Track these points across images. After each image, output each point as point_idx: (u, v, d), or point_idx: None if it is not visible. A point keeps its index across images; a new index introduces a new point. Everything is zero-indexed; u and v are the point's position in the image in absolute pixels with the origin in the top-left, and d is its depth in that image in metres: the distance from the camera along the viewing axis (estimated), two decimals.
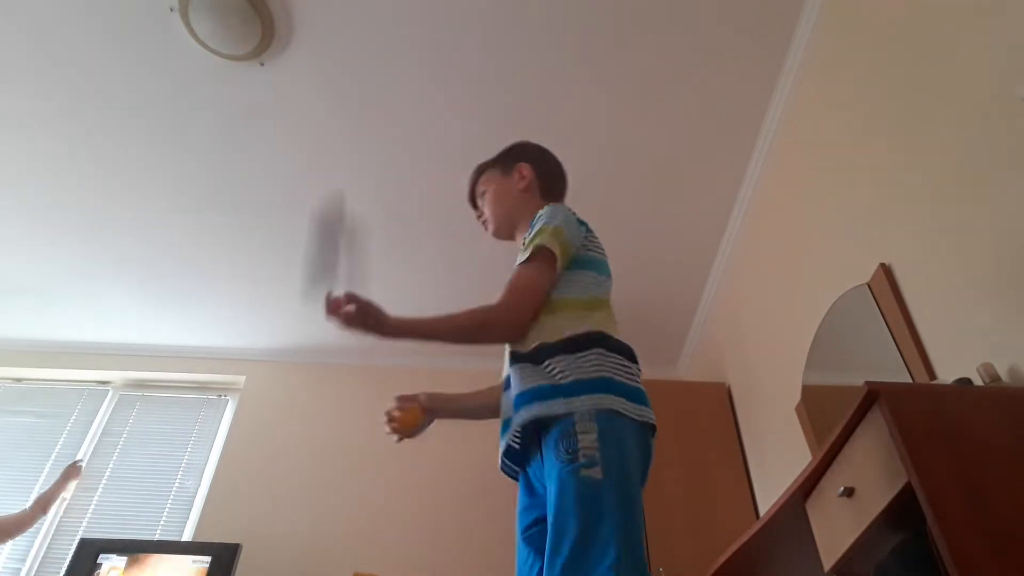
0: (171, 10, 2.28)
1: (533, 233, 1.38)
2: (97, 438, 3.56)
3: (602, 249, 1.47)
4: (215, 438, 3.62)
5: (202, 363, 3.84)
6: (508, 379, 1.31)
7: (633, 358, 1.30)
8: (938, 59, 1.66)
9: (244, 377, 3.82)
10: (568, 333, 1.27)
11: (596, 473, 1.09)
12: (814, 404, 2.21)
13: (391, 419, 1.45)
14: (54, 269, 3.35)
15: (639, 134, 2.69)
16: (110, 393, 3.77)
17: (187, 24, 2.30)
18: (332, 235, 1.39)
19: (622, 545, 1.04)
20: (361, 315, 1.28)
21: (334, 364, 3.85)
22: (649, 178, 2.86)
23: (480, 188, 1.66)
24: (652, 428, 1.25)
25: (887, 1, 1.90)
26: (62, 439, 3.53)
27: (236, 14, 2.24)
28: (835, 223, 2.15)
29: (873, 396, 1.14)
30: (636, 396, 1.24)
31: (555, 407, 1.17)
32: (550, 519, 1.09)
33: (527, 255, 1.33)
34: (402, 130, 2.69)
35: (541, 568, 1.16)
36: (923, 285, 1.70)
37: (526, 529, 1.29)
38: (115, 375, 3.79)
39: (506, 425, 1.30)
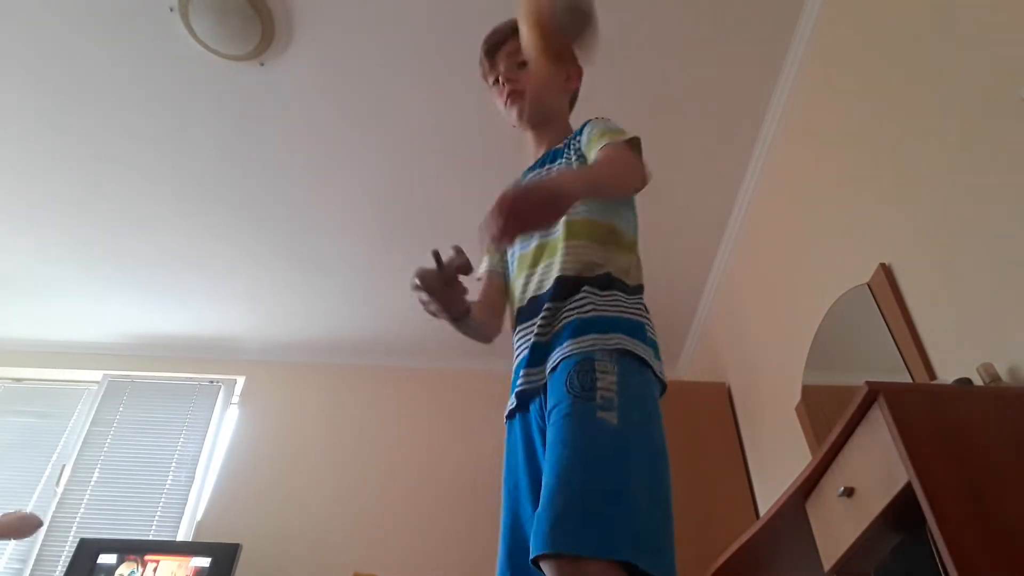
0: (171, 10, 2.27)
1: (608, 129, 1.24)
2: (87, 428, 3.56)
3: None
4: (208, 427, 3.62)
5: (202, 363, 3.84)
6: (543, 303, 1.17)
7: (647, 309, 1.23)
8: (938, 59, 1.66)
9: (244, 377, 3.82)
10: (625, 273, 1.19)
11: (612, 418, 0.95)
12: (814, 404, 2.21)
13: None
14: (54, 269, 3.35)
15: (639, 132, 2.68)
16: (99, 381, 3.76)
17: (187, 24, 2.29)
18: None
19: (634, 508, 0.89)
20: (519, 205, 0.93)
21: (334, 364, 3.86)
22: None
23: (518, 50, 1.36)
24: (664, 388, 1.14)
25: (887, 2, 1.90)
26: (62, 439, 3.53)
27: (236, 14, 2.24)
28: (835, 223, 2.15)
29: (873, 396, 1.14)
30: (656, 350, 1.14)
31: (585, 340, 1.05)
32: (550, 459, 0.95)
33: (627, 137, 1.20)
34: (401, 130, 2.69)
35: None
36: (923, 285, 1.70)
37: (513, 489, 1.11)
38: (115, 375, 3.79)
39: (536, 353, 1.14)
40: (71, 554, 2.89)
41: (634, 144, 1.24)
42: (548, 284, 1.18)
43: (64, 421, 3.61)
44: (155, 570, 2.87)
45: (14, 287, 3.46)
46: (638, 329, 1.11)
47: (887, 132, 1.87)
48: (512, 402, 1.18)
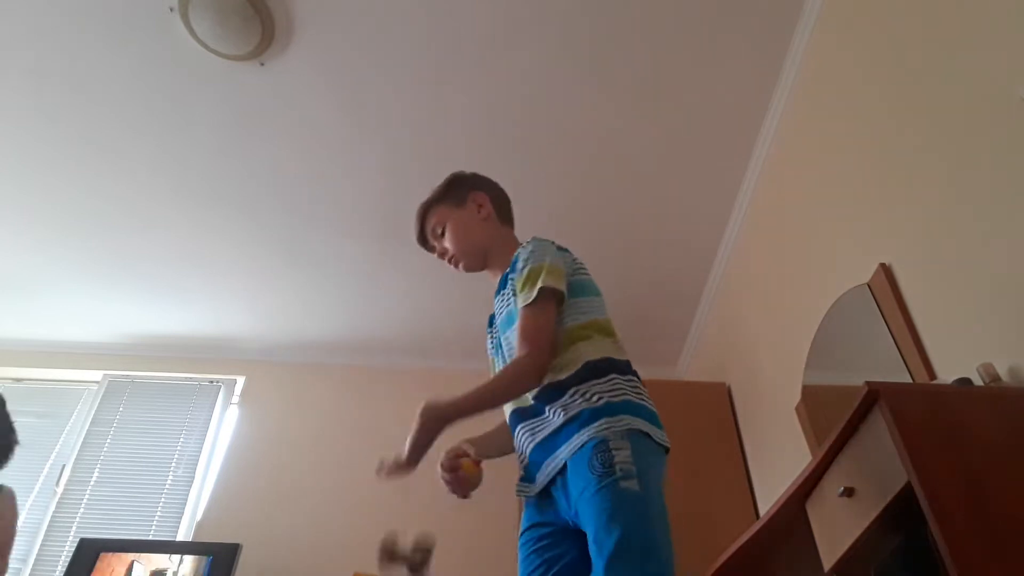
0: (171, 10, 2.27)
1: (526, 273, 1.36)
2: (87, 428, 3.55)
3: (586, 269, 1.47)
4: (208, 427, 3.62)
5: (202, 363, 3.84)
6: (518, 416, 1.35)
7: (640, 379, 1.34)
8: (938, 59, 1.66)
9: (244, 377, 3.82)
10: (587, 359, 1.29)
11: (634, 485, 1.11)
12: (814, 404, 2.21)
13: (457, 480, 1.42)
14: (54, 269, 3.35)
15: (639, 135, 2.69)
16: (99, 381, 3.75)
17: (187, 24, 2.29)
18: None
19: (663, 557, 1.07)
20: (423, 431, 1.33)
21: (334, 364, 3.85)
22: (649, 178, 2.86)
23: (433, 225, 1.61)
24: (667, 451, 1.28)
25: (887, 2, 1.90)
26: (62, 439, 3.53)
27: (236, 14, 2.24)
28: (835, 223, 2.15)
29: (873, 396, 1.14)
30: (655, 419, 1.27)
31: (599, 429, 1.18)
32: (592, 535, 1.10)
33: (532, 297, 1.32)
34: (401, 130, 2.69)
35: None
36: (923, 285, 1.70)
37: (539, 540, 1.31)
38: (115, 375, 3.79)
39: (534, 459, 1.32)
40: (71, 554, 2.89)
41: (537, 298, 1.33)
42: (524, 404, 1.34)
43: (64, 421, 3.60)
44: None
45: (14, 287, 3.46)
46: (639, 408, 1.25)
47: (887, 132, 1.87)
48: (528, 488, 1.36)
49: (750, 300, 2.90)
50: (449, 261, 1.60)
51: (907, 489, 1.04)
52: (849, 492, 1.22)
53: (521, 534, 1.37)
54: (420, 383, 3.79)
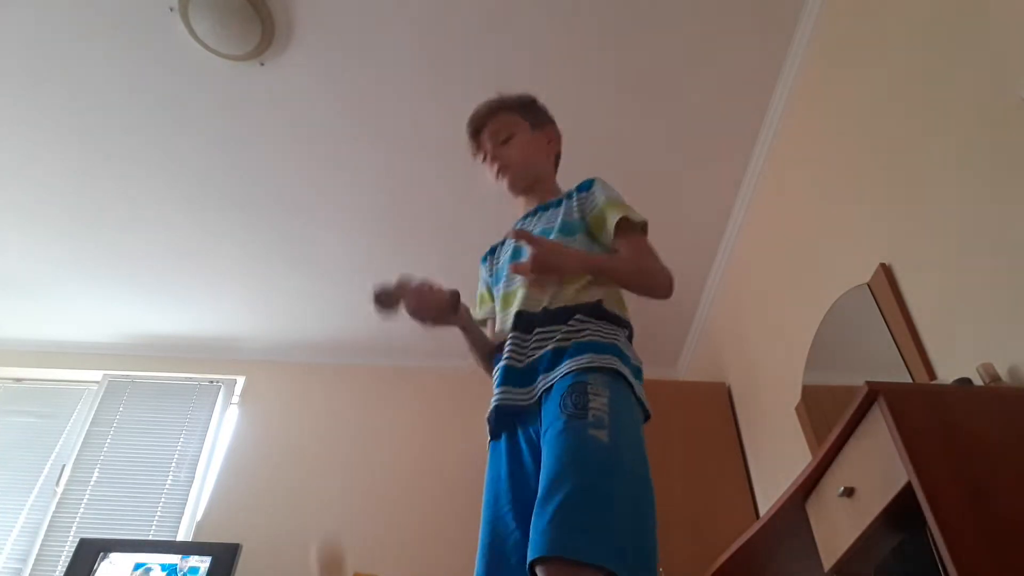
0: (171, 10, 2.27)
1: (616, 198, 1.35)
2: (87, 428, 3.55)
3: None
4: (208, 427, 3.62)
5: (202, 363, 3.84)
6: (528, 322, 1.25)
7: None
8: (938, 59, 1.66)
9: (244, 377, 3.82)
10: (599, 299, 1.25)
11: (603, 436, 1.02)
12: (814, 404, 2.21)
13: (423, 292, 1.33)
14: (54, 269, 3.35)
15: (639, 134, 2.69)
16: (99, 381, 3.75)
17: (187, 24, 2.29)
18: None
19: (621, 515, 0.96)
20: (548, 252, 1.17)
21: (334, 364, 3.86)
22: (649, 177, 2.86)
23: (498, 128, 1.52)
24: (647, 418, 1.23)
25: (887, 1, 1.90)
26: (62, 439, 3.53)
27: (236, 14, 2.24)
28: (835, 223, 2.15)
29: (873, 396, 1.14)
30: (640, 378, 1.23)
31: (582, 364, 1.12)
32: (546, 470, 1.01)
33: (640, 221, 1.32)
34: (401, 130, 2.69)
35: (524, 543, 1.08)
36: (923, 285, 1.70)
37: (511, 501, 1.15)
38: (115, 375, 3.79)
39: (512, 374, 1.22)
40: (71, 554, 2.89)
41: (645, 230, 1.34)
42: (538, 310, 1.26)
43: (64, 421, 3.60)
44: None
45: (14, 287, 3.46)
46: (627, 359, 1.19)
47: (887, 132, 1.87)
48: (492, 416, 1.24)
49: (750, 300, 2.90)
50: (498, 170, 1.52)
51: (907, 489, 1.04)
52: (849, 492, 1.22)
53: (497, 483, 1.21)
54: (420, 383, 3.80)
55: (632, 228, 1.31)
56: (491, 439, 1.26)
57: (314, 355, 3.87)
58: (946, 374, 1.55)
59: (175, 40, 2.36)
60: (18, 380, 3.78)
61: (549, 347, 1.19)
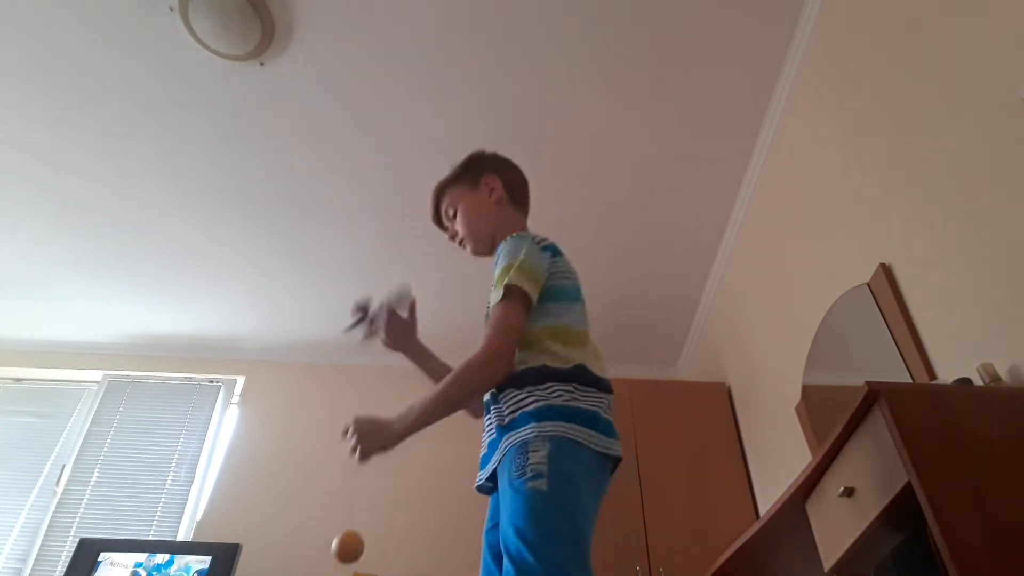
0: (171, 10, 2.27)
1: (500, 270, 1.36)
2: (87, 428, 3.55)
3: (571, 272, 1.44)
4: (208, 427, 3.62)
5: (202, 363, 3.84)
6: (488, 405, 1.36)
7: (609, 390, 1.31)
8: (938, 59, 1.66)
9: (244, 377, 3.82)
10: (543, 363, 1.28)
11: (541, 485, 1.12)
12: (814, 404, 2.21)
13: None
14: (54, 268, 3.35)
15: (639, 134, 2.69)
16: (99, 381, 3.75)
17: (187, 24, 2.29)
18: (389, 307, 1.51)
19: (566, 552, 1.07)
20: (360, 433, 1.31)
21: (334, 364, 3.86)
22: (649, 178, 2.86)
23: (446, 207, 1.61)
24: (613, 460, 1.25)
25: (887, 2, 1.90)
26: (62, 439, 3.53)
27: (236, 14, 2.24)
28: (835, 223, 2.15)
29: (873, 396, 1.14)
30: (602, 427, 1.24)
31: (525, 434, 1.20)
32: (501, 529, 1.14)
33: (500, 295, 1.32)
34: (401, 130, 2.69)
35: None
36: (923, 285, 1.70)
37: (492, 545, 1.32)
38: (115, 375, 3.79)
39: (485, 453, 1.35)
40: (71, 554, 2.89)
41: (506, 295, 1.32)
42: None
43: (64, 421, 3.60)
44: None
45: (14, 287, 3.46)
46: (573, 413, 1.22)
47: (887, 132, 1.87)
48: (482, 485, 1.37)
49: (750, 300, 2.90)
50: (459, 244, 1.60)
51: (907, 489, 1.04)
52: (849, 492, 1.22)
53: (486, 532, 1.35)
54: (421, 383, 3.79)
55: (495, 307, 1.34)
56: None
57: (314, 355, 3.87)
58: (946, 374, 1.55)
59: (175, 40, 2.36)
60: (18, 380, 3.79)
61: (495, 424, 1.29)
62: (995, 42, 1.47)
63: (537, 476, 1.13)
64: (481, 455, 1.36)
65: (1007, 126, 1.42)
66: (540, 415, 1.21)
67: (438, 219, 1.64)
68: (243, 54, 2.38)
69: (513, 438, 1.21)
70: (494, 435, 1.29)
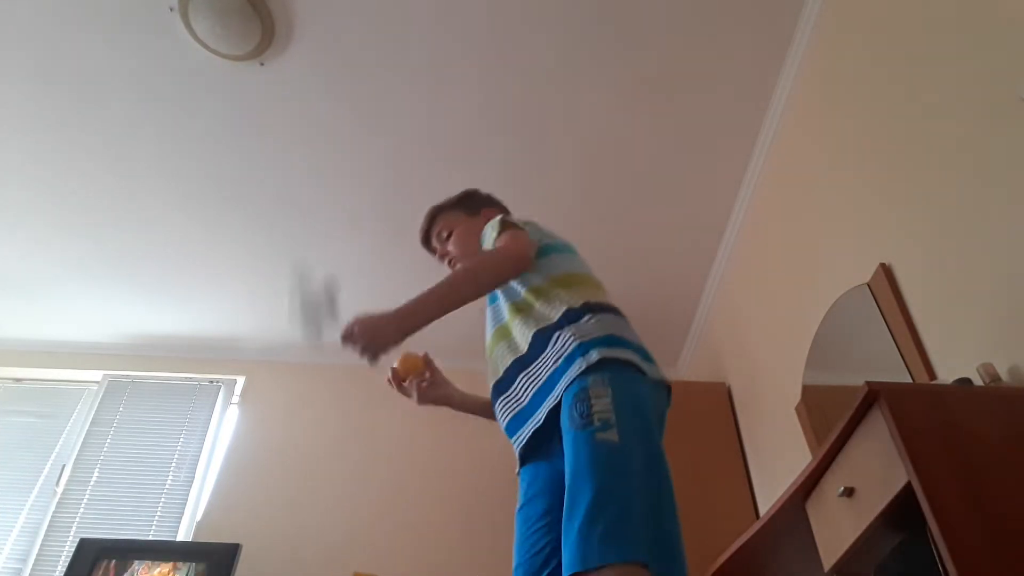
0: (171, 10, 2.27)
1: (489, 232, 1.43)
2: (87, 428, 3.54)
3: (556, 235, 1.51)
4: (208, 427, 3.62)
5: (202, 363, 3.84)
6: (508, 378, 1.35)
7: (627, 322, 1.34)
8: (938, 59, 1.66)
9: (244, 377, 3.82)
10: (564, 308, 1.29)
11: (612, 436, 1.06)
12: (814, 404, 2.21)
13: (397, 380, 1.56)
14: (54, 268, 3.35)
15: (639, 134, 2.69)
16: (99, 381, 3.75)
17: (187, 24, 2.29)
18: (311, 291, 1.45)
19: (642, 508, 1.01)
20: (363, 331, 1.23)
21: (335, 364, 3.85)
22: (649, 178, 2.86)
23: (439, 229, 1.67)
24: (666, 387, 1.26)
25: (887, 2, 1.90)
26: (62, 439, 3.53)
27: (236, 14, 2.24)
28: (835, 223, 2.15)
29: (873, 396, 1.14)
30: (644, 354, 1.26)
31: (572, 372, 1.16)
32: (567, 484, 1.06)
33: (499, 230, 1.38)
34: (402, 130, 2.69)
35: (555, 559, 1.15)
36: (923, 285, 1.70)
37: (543, 516, 1.25)
38: (115, 375, 3.79)
39: (519, 419, 1.31)
40: (71, 554, 2.89)
41: (504, 227, 1.39)
42: (509, 362, 1.36)
43: (64, 421, 3.60)
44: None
45: (14, 287, 3.45)
46: (616, 341, 1.23)
47: (887, 132, 1.87)
48: (518, 462, 1.36)
49: (750, 300, 2.90)
50: (449, 264, 1.65)
51: (907, 489, 1.04)
52: (849, 492, 1.22)
53: (519, 509, 1.33)
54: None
55: (492, 242, 1.39)
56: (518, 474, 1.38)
57: (314, 355, 3.87)
58: (946, 374, 1.55)
59: (175, 40, 2.36)
60: (18, 380, 3.78)
61: (531, 390, 1.26)
62: (995, 42, 1.47)
63: (605, 426, 1.07)
64: (508, 432, 1.34)
65: (1007, 126, 1.42)
66: (584, 348, 1.18)
67: (427, 239, 1.71)
68: (243, 54, 2.38)
69: (565, 383, 1.16)
70: (524, 404, 1.27)
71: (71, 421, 3.61)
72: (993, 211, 1.47)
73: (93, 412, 3.60)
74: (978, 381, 1.32)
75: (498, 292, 1.44)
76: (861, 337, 1.92)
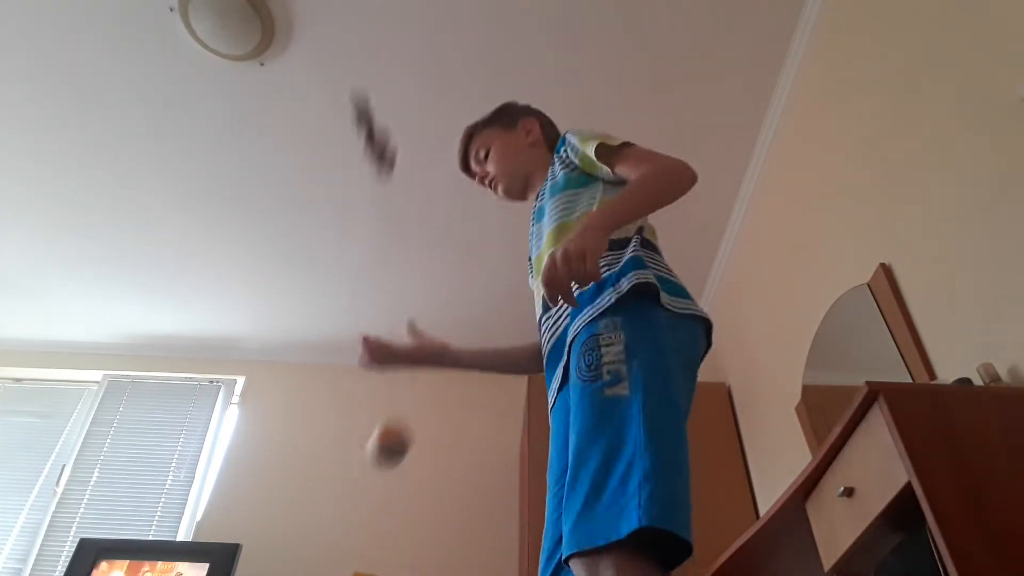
0: (171, 10, 2.27)
1: (584, 138, 1.29)
2: (87, 428, 3.55)
3: None
4: (208, 427, 3.62)
5: (202, 363, 3.84)
6: (541, 317, 1.26)
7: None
8: (938, 59, 1.66)
9: (244, 377, 3.82)
10: (635, 229, 1.23)
11: (622, 390, 0.94)
12: (814, 404, 2.21)
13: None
14: (54, 268, 3.35)
15: (639, 134, 2.66)
16: (99, 381, 3.75)
17: (187, 24, 2.29)
18: (369, 122, 1.38)
19: (653, 473, 0.85)
20: (566, 260, 0.96)
21: (335, 364, 3.85)
22: None
23: (477, 148, 1.55)
24: (704, 321, 1.16)
25: (886, 2, 1.90)
26: (62, 439, 3.53)
27: (236, 14, 2.24)
28: (835, 223, 2.15)
29: (873, 396, 1.14)
30: (677, 290, 1.16)
31: (603, 301, 1.05)
32: (571, 449, 0.95)
33: (619, 141, 1.25)
34: (401, 130, 2.68)
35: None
36: (923, 285, 1.70)
37: (560, 478, 1.10)
38: (115, 375, 3.79)
39: (551, 355, 1.20)
40: (71, 554, 2.89)
41: (630, 144, 1.27)
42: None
43: (64, 421, 3.60)
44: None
45: (14, 287, 3.46)
46: (640, 264, 1.11)
47: (887, 132, 1.87)
48: (551, 397, 1.20)
49: (750, 300, 2.90)
50: (489, 184, 1.54)
51: (907, 489, 1.04)
52: (849, 492, 1.22)
53: (551, 461, 1.18)
54: (421, 383, 3.79)
55: (614, 151, 1.25)
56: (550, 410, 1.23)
57: (314, 355, 3.87)
58: (946, 374, 1.55)
59: (175, 40, 2.36)
60: (18, 380, 3.78)
61: (566, 316, 1.13)
62: (995, 42, 1.47)
63: (615, 379, 0.95)
64: (545, 355, 1.22)
65: (1007, 126, 1.42)
66: (616, 277, 1.07)
67: (466, 163, 1.58)
68: (243, 54, 2.38)
69: (584, 319, 1.03)
70: (559, 334, 1.14)
71: (71, 421, 3.61)
72: (993, 211, 1.47)
73: (93, 412, 3.60)
74: (978, 381, 1.32)
75: (549, 200, 1.31)
76: (861, 337, 1.92)
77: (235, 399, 3.77)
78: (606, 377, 0.96)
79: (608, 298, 1.04)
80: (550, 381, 1.20)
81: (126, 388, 3.72)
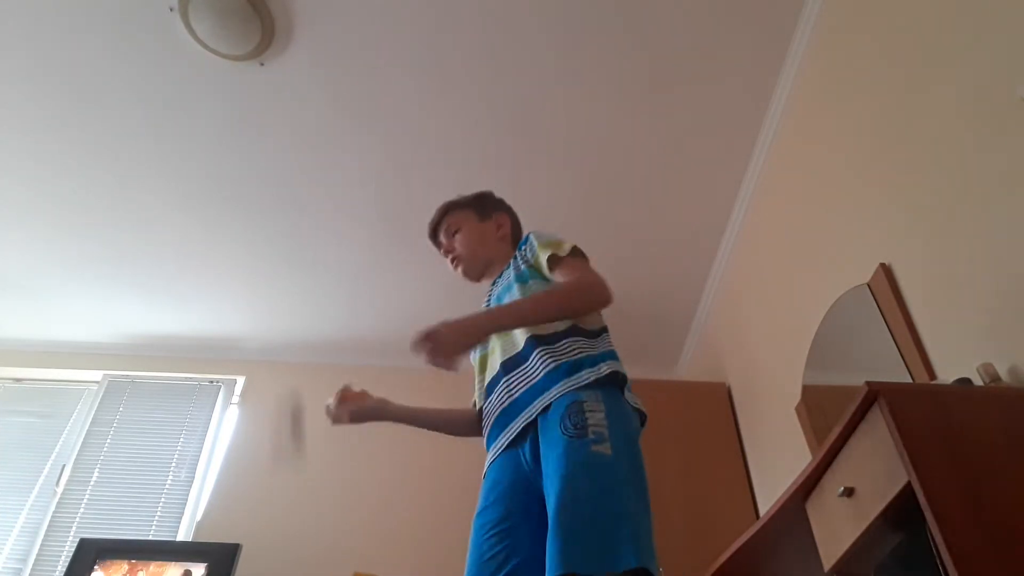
0: (171, 10, 2.27)
1: (547, 240, 1.44)
2: (87, 428, 3.55)
3: None
4: (208, 427, 3.62)
5: (202, 363, 3.84)
6: (524, 353, 1.35)
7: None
8: (938, 59, 1.66)
9: (244, 377, 3.82)
10: (582, 325, 1.35)
11: (606, 449, 1.09)
12: (814, 404, 2.21)
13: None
14: (54, 268, 3.35)
15: (639, 134, 2.69)
16: (99, 381, 3.75)
17: (187, 24, 2.29)
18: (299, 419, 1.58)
19: (636, 524, 1.04)
20: (437, 339, 1.28)
21: (335, 364, 3.85)
22: (649, 178, 2.86)
23: (449, 225, 1.68)
24: (644, 418, 1.30)
25: (887, 2, 1.90)
26: (62, 439, 3.53)
27: (236, 14, 2.24)
28: (835, 223, 2.15)
29: (873, 396, 1.14)
30: (629, 386, 1.30)
31: (575, 383, 1.20)
32: (555, 491, 1.07)
33: (568, 250, 1.40)
34: (401, 130, 2.69)
35: (515, 563, 1.17)
36: (923, 285, 1.70)
37: (499, 522, 1.26)
38: (115, 375, 3.79)
39: (504, 416, 1.33)
40: (71, 554, 2.89)
41: (575, 253, 1.42)
42: (511, 353, 1.37)
43: (64, 421, 3.60)
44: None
45: (14, 287, 3.46)
46: (618, 364, 1.29)
47: (887, 132, 1.87)
48: (493, 455, 1.35)
49: (750, 300, 2.90)
50: (452, 261, 1.67)
51: (907, 489, 1.04)
52: (849, 492, 1.22)
53: (476, 516, 1.34)
54: (421, 383, 3.79)
55: (559, 260, 1.40)
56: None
57: (314, 355, 3.87)
58: (946, 374, 1.55)
59: (175, 40, 2.36)
60: (18, 380, 3.78)
61: (542, 372, 1.26)
62: (995, 42, 1.47)
63: (599, 439, 1.10)
64: (494, 421, 1.35)
65: (1007, 126, 1.42)
66: (590, 361, 1.24)
67: (435, 233, 1.71)
68: (243, 54, 2.38)
69: (565, 387, 1.20)
70: (537, 380, 1.27)
71: (71, 421, 3.61)
72: (993, 211, 1.47)
73: (93, 412, 3.60)
74: (978, 381, 1.32)
75: (516, 288, 1.45)
76: (861, 337, 1.92)
77: (235, 399, 3.77)
78: (591, 436, 1.11)
79: (588, 376, 1.22)
80: (495, 439, 1.34)
81: (126, 388, 3.72)
